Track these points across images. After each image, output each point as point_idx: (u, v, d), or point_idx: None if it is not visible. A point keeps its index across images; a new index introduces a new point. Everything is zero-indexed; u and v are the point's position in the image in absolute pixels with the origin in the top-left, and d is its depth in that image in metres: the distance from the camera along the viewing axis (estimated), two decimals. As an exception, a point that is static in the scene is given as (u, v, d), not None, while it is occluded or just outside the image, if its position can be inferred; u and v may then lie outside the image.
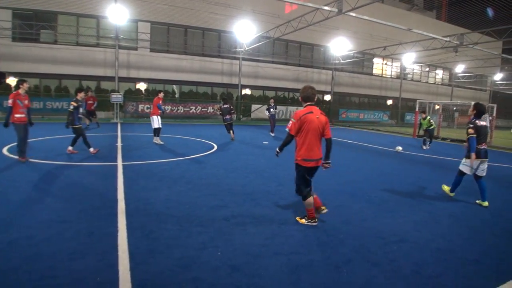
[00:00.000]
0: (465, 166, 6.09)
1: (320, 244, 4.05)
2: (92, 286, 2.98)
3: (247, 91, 29.13)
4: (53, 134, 13.25)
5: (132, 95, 24.04)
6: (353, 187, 6.93)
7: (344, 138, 17.01)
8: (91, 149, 9.22)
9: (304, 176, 4.58)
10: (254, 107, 27.22)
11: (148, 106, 23.51)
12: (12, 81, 23.18)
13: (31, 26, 21.88)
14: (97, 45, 24.12)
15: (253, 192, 6.15)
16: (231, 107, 14.23)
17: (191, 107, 24.64)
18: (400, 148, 12.66)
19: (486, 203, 5.95)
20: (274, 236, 4.22)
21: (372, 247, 4.04)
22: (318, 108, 4.59)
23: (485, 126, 6.00)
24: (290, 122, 4.53)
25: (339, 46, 26.96)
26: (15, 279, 3.02)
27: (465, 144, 6.09)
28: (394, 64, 36.48)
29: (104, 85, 24.55)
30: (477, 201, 6.11)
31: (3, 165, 7.60)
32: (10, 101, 7.73)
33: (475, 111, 6.02)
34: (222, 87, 28.33)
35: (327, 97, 32.57)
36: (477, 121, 5.93)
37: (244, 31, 23.69)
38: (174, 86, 27.40)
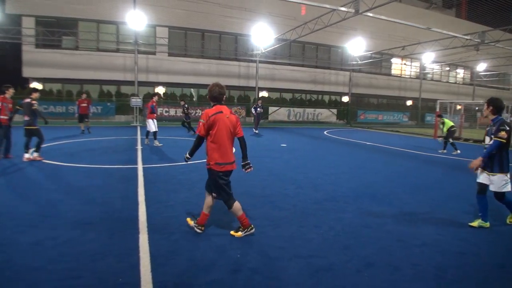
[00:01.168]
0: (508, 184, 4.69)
1: (340, 248, 4.00)
2: (114, 287, 3.02)
3: (264, 94, 29.18)
4: (75, 137, 13.57)
5: (151, 98, 24.38)
6: (373, 189, 6.84)
7: (363, 140, 16.82)
8: (26, 155, 8.67)
9: (223, 183, 4.21)
10: (271, 109, 27.23)
11: (167, 109, 23.86)
12: (35, 86, 23.84)
13: (53, 33, 22.52)
14: (117, 50, 24.65)
15: (272, 195, 6.14)
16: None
17: (208, 110, 24.78)
18: None
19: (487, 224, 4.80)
20: (293, 239, 4.20)
21: (394, 250, 3.97)
22: (227, 107, 4.32)
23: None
24: (199, 123, 4.16)
25: (357, 46, 26.74)
26: (40, 279, 3.09)
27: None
28: (413, 64, 35.88)
29: (124, 89, 25.05)
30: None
31: (27, 168, 7.83)
32: None
33: (490, 108, 4.72)
34: (239, 90, 28.46)
35: (345, 99, 32.30)
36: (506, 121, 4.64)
37: (261, 34, 23.77)
38: (192, 89, 27.71)
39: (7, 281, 3.03)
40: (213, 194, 4.23)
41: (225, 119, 4.14)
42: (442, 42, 24.15)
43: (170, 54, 25.78)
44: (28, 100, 8.69)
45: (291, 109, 28.04)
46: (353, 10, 16.96)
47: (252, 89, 27.53)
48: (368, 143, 15.36)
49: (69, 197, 5.63)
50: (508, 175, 4.65)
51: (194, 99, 26.86)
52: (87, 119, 15.61)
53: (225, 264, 3.50)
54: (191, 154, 4.38)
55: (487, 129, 4.90)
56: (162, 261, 3.51)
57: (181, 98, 22.37)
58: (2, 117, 8.54)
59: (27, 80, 24.44)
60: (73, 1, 22.64)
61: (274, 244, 4.01)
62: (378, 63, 32.76)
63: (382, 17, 18.13)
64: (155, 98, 12.65)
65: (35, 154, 8.70)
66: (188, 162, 4.52)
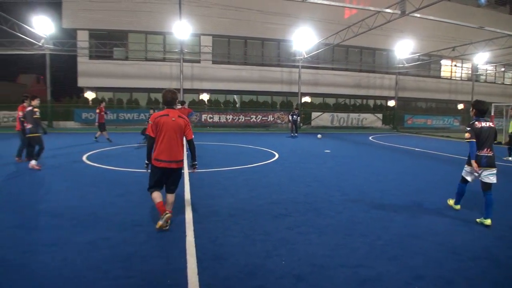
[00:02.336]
0: (465, 171, 5.46)
1: (388, 258, 3.86)
2: (163, 288, 3.13)
3: (307, 99, 28.99)
4: (125, 143, 14.23)
5: (196, 105, 25.09)
6: (422, 198, 6.55)
7: (411, 145, 16.16)
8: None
9: (154, 175, 4.51)
10: (314, 114, 26.97)
11: (211, 116, 24.39)
12: (89, 95, 25.39)
13: (105, 44, 23.87)
14: (164, 59, 25.62)
15: (316, 202, 6.06)
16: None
17: (251, 116, 25.07)
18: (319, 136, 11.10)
19: (488, 221, 4.92)
20: (339, 247, 4.11)
21: (445, 262, 3.76)
22: (177, 111, 4.59)
23: (488, 128, 5.07)
24: (148, 124, 4.51)
25: (403, 49, 25.86)
26: (96, 278, 3.26)
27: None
28: (464, 65, 34.06)
29: (170, 97, 25.88)
30: (477, 220, 5.14)
31: (84, 171, 8.32)
32: (20, 113, 9.09)
33: (474, 111, 5.31)
34: (282, 96, 28.48)
35: (391, 103, 31.24)
36: (476, 122, 5.14)
37: (303, 39, 23.69)
38: (235, 96, 28.12)
39: (65, 279, 3.22)
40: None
41: (171, 121, 4.45)
42: (496, 42, 22.72)
43: (214, 62, 26.38)
44: (29, 108, 8.55)
45: (335, 114, 27.58)
46: (399, 12, 16.43)
47: (295, 94, 27.43)
48: (416, 149, 14.73)
49: (120, 200, 5.91)
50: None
51: (237, 106, 27.23)
52: (103, 129, 14.87)
53: (269, 270, 3.49)
54: (148, 158, 4.59)
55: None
56: (208, 264, 3.57)
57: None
58: (26, 125, 8.71)
59: (82, 90, 26.07)
60: (123, 15, 23.87)
61: (319, 252, 3.95)
62: (427, 65, 31.41)
63: (430, 17, 17.41)
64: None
65: (33, 163, 8.38)
66: (147, 170, 4.68)
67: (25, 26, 20.49)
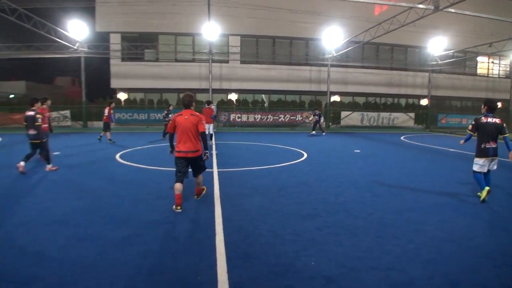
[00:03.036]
0: (478, 165, 6.10)
1: (421, 262, 3.72)
2: (193, 285, 3.17)
3: (336, 98, 28.61)
4: (156, 142, 14.55)
5: (224, 105, 25.34)
6: (458, 200, 6.30)
7: (445, 146, 15.58)
8: (23, 161, 8.07)
9: (176, 164, 5.47)
10: (343, 114, 26.57)
11: (239, 115, 24.53)
12: (121, 96, 26.17)
13: (136, 47, 24.51)
14: (193, 60, 26.02)
15: (346, 202, 5.97)
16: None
17: (280, 116, 25.02)
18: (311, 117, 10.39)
19: (486, 189, 5.89)
20: (370, 250, 4.02)
21: (482, 269, 3.59)
22: (190, 110, 5.49)
23: (493, 123, 5.92)
24: (169, 123, 5.83)
25: (437, 45, 25.04)
26: (130, 273, 3.35)
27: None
28: (502, 62, 32.55)
29: (199, 97, 26.25)
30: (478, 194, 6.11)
31: (117, 170, 8.57)
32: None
33: (485, 107, 6.11)
34: (310, 95, 28.24)
35: (424, 102, 30.26)
36: (483, 117, 6.00)
37: (332, 37, 23.40)
38: (263, 95, 28.15)
39: (101, 273, 3.34)
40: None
41: (184, 119, 5.37)
42: (539, 36, 21.59)
43: (242, 62, 26.52)
44: (31, 113, 8.08)
45: (365, 113, 27.03)
46: (432, 7, 15.90)
47: (324, 93, 27.11)
48: (451, 149, 14.18)
49: (151, 198, 6.05)
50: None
51: (265, 105, 27.26)
52: (108, 129, 14.71)
53: (299, 270, 3.47)
54: (171, 146, 5.68)
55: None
56: (238, 263, 3.59)
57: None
58: (44, 125, 8.84)
59: (115, 91, 26.91)
60: (154, 17, 24.46)
61: (349, 254, 3.88)
62: (462, 62, 30.23)
63: (466, 12, 16.77)
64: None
65: (22, 163, 7.84)
66: (171, 155, 5.72)
67: (60, 30, 21.38)
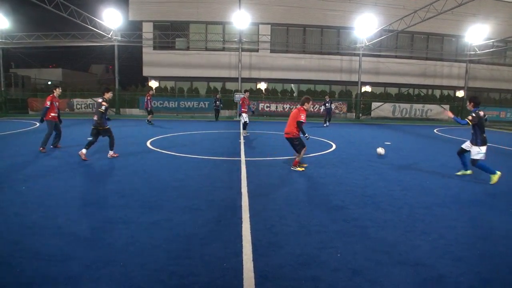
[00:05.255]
0: (483, 154, 6.94)
1: (452, 259, 3.61)
2: (219, 270, 3.22)
3: (367, 88, 27.97)
4: (186, 130, 14.78)
5: (253, 94, 25.32)
6: (493, 197, 6.05)
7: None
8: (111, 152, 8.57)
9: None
10: (374, 105, 25.96)
11: (268, 105, 24.47)
12: (153, 84, 26.68)
13: (168, 35, 24.83)
14: (223, 49, 26.12)
15: (375, 195, 5.87)
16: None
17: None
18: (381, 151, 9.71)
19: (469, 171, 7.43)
20: (398, 244, 3.94)
21: (519, 267, 3.47)
22: (298, 105, 7.62)
23: (484, 116, 6.90)
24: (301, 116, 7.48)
25: (475, 34, 23.88)
26: (158, 256, 3.45)
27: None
28: (548, 52, 30.66)
29: (229, 85, 26.44)
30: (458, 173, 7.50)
31: (148, 156, 8.80)
32: (48, 102, 9.36)
33: (472, 103, 6.93)
34: (341, 85, 27.77)
35: (460, 93, 29.05)
36: (480, 112, 6.80)
37: (365, 25, 22.78)
38: (292, 85, 27.93)
39: (131, 255, 3.46)
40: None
41: (292, 111, 7.73)
42: None
43: (272, 51, 26.35)
44: (99, 100, 8.36)
45: (397, 104, 26.29)
46: (474, -6, 15.15)
47: (355, 84, 26.55)
48: (488, 144, 13.56)
49: (181, 184, 6.17)
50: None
51: (294, 95, 27.05)
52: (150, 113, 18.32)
53: (324, 261, 3.46)
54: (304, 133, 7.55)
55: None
56: (264, 251, 3.62)
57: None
58: (52, 114, 9.38)
59: (147, 79, 27.46)
60: (185, 6, 24.65)
61: (377, 247, 3.82)
62: (502, 52, 28.69)
63: (510, -1, 15.85)
64: (247, 95, 14.14)
65: (83, 151, 8.06)
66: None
67: (95, 19, 21.96)
